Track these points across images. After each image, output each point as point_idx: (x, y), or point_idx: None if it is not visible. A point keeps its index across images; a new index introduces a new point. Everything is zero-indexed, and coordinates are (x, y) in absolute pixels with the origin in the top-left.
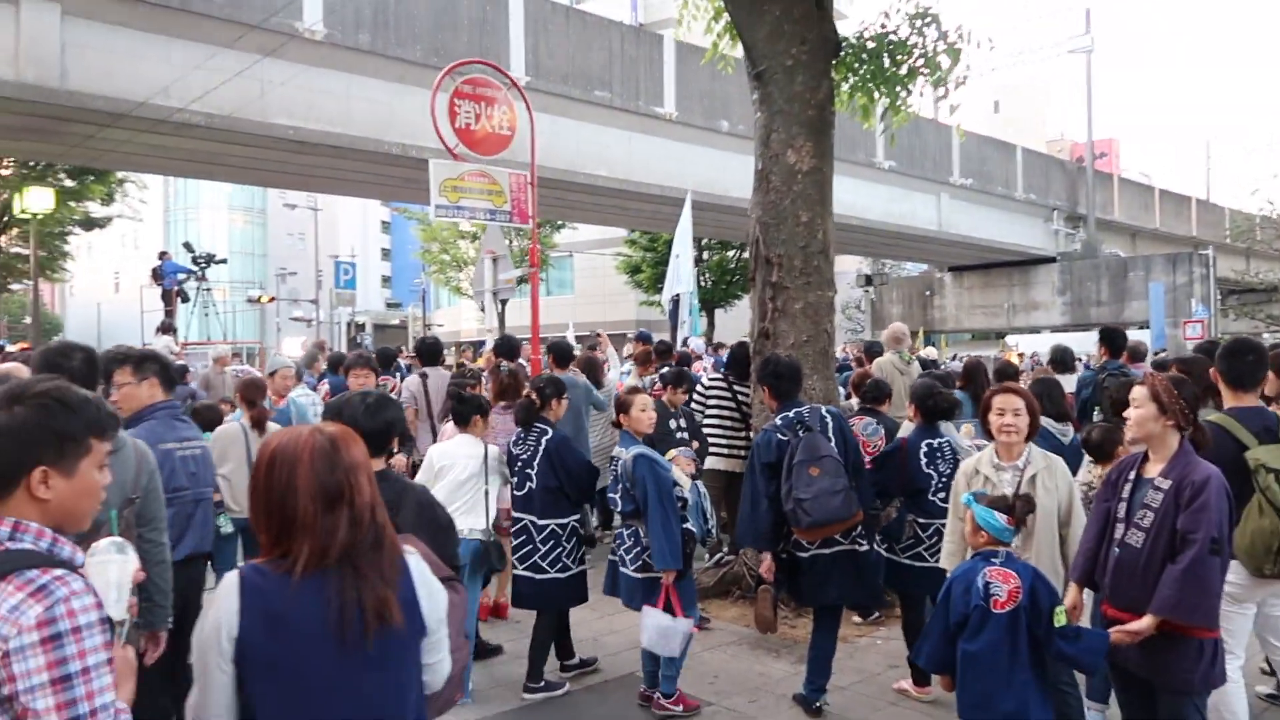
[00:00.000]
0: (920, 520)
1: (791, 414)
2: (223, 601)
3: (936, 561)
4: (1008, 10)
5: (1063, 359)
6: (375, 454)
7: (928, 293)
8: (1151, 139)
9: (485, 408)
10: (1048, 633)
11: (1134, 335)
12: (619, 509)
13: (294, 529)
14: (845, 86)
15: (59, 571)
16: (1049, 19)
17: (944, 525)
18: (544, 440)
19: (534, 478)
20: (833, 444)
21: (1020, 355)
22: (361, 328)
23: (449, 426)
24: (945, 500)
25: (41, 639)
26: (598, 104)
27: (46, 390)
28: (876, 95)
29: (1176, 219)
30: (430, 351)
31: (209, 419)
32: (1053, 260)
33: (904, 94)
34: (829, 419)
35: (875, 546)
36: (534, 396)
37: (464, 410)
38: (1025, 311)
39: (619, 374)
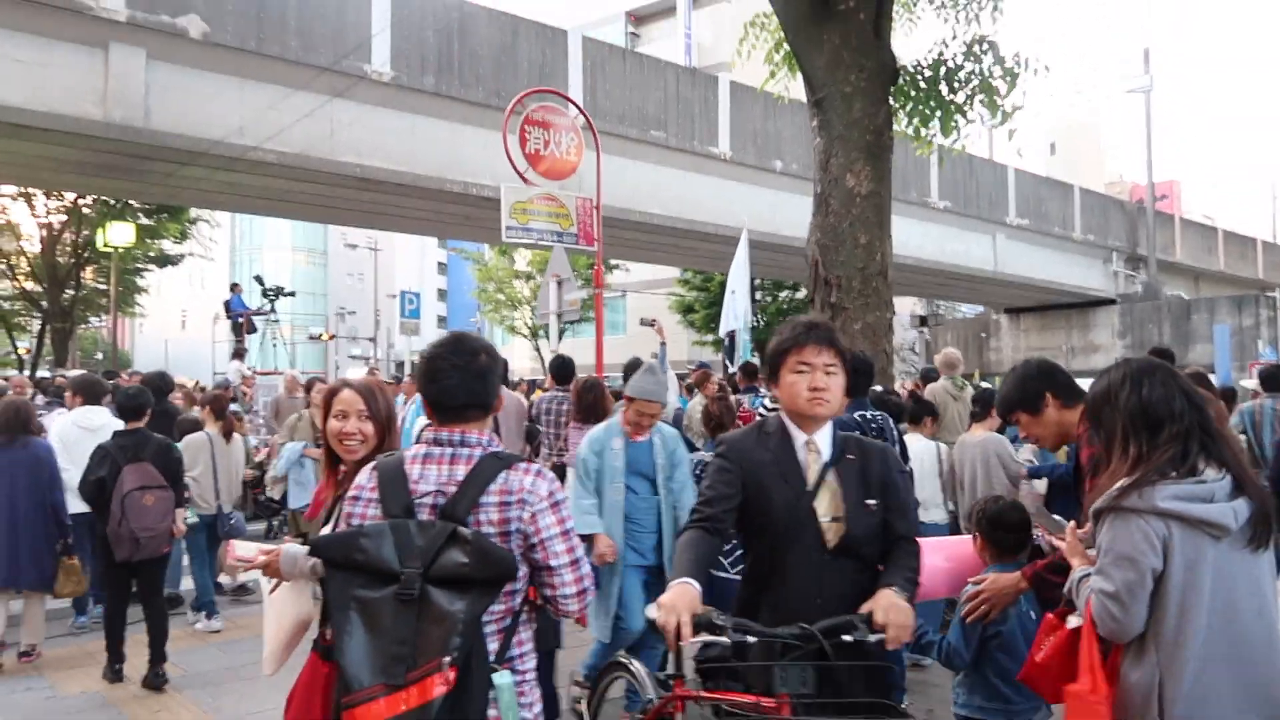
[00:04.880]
0: None
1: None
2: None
3: None
4: (1065, 49)
5: None
6: (137, 420)
7: (983, 334)
8: (1214, 180)
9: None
10: None
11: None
12: None
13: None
14: (903, 115)
15: (536, 464)
16: (1106, 59)
17: None
18: None
19: None
20: None
21: None
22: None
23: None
24: None
25: (551, 504)
26: (654, 144)
27: (488, 346)
28: (933, 117)
29: (1241, 261)
30: (562, 372)
31: (184, 430)
32: (1112, 302)
33: (960, 120)
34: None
35: None
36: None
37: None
38: (1084, 354)
39: (676, 398)
